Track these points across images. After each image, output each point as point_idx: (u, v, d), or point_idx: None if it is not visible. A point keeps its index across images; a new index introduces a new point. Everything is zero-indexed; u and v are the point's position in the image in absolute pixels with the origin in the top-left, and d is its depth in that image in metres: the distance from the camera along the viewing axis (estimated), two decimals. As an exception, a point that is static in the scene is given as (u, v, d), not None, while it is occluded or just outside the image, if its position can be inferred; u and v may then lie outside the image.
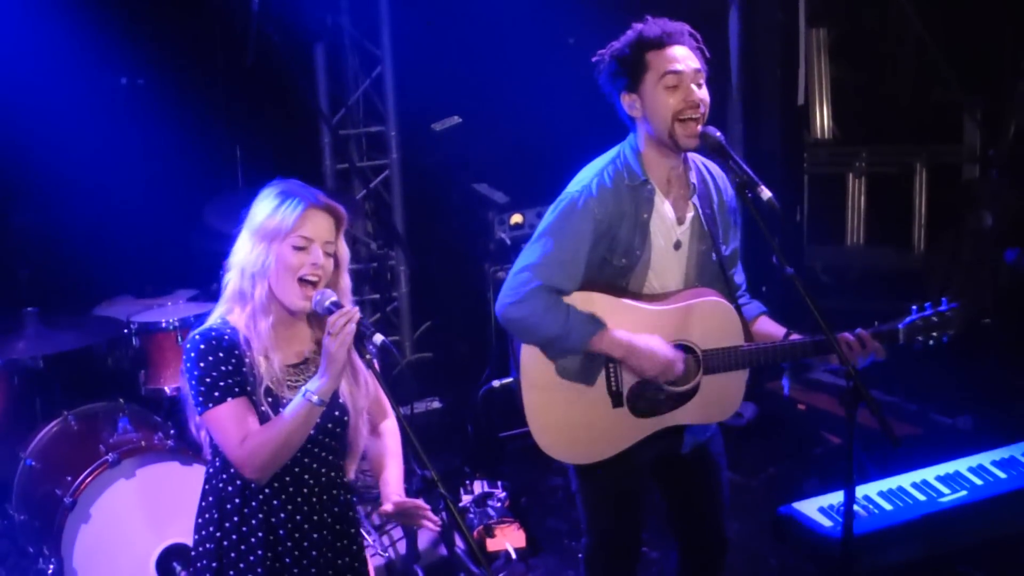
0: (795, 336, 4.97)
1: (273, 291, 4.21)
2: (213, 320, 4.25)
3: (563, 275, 4.93)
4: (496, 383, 7.36)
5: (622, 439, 5.06)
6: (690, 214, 5.01)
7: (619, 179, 4.92)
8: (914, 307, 4.92)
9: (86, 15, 8.22)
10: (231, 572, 4.28)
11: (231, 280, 4.27)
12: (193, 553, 4.40)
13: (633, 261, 4.95)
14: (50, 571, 6.22)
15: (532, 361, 5.04)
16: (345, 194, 9.57)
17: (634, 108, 4.89)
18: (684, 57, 4.82)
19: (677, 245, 5.00)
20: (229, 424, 4.16)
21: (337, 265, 4.31)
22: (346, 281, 4.37)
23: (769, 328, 5.10)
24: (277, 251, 4.17)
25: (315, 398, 4.11)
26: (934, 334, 4.91)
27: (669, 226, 4.98)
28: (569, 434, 5.08)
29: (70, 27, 8.08)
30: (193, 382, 4.17)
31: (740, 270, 5.24)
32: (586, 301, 4.94)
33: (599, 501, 5.25)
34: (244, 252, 4.22)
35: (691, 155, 5.04)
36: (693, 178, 5.01)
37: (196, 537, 4.37)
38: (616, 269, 4.98)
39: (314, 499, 4.37)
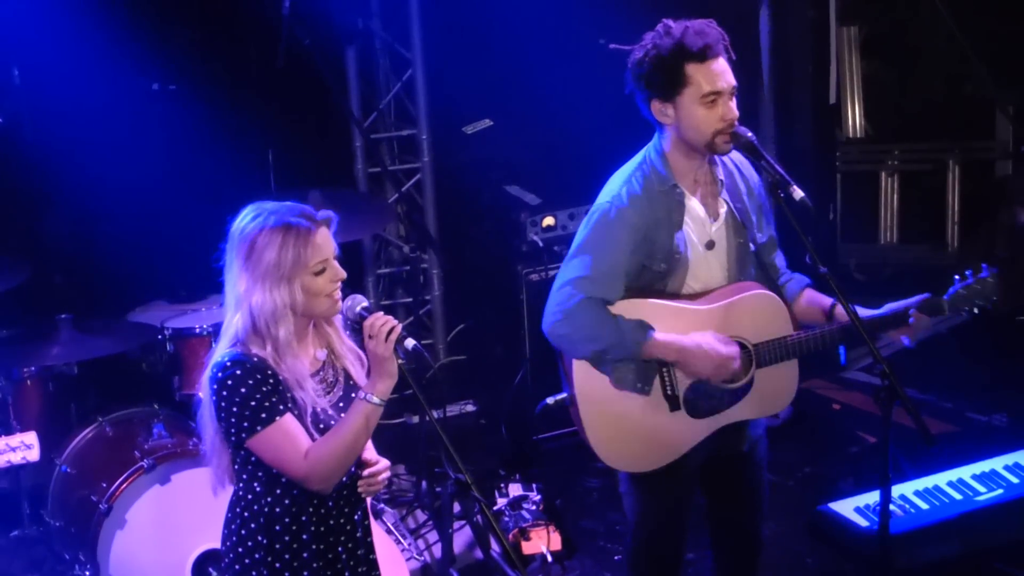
0: (840, 312, 4.89)
1: (304, 315, 4.20)
2: (231, 351, 4.17)
3: (606, 286, 4.90)
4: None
5: (682, 443, 5.03)
6: (723, 210, 4.99)
7: (648, 185, 4.90)
8: (956, 276, 4.96)
9: (117, 21, 8.25)
10: None
11: (237, 321, 4.18)
12: None
13: (673, 265, 4.93)
14: (86, 577, 6.25)
15: (585, 375, 5.01)
16: (377, 197, 9.59)
17: (666, 116, 4.83)
18: (723, 72, 4.76)
19: (710, 245, 4.97)
20: (286, 442, 4.14)
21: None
22: None
23: (815, 300, 5.08)
24: (301, 285, 4.13)
25: (375, 399, 4.14)
26: (978, 301, 4.93)
27: (702, 225, 4.96)
28: (630, 444, 5.05)
29: (101, 34, 8.09)
30: (235, 409, 4.11)
31: (780, 253, 5.21)
32: (632, 308, 4.92)
33: (649, 506, 5.22)
34: (257, 297, 4.12)
35: None
36: (720, 173, 4.98)
37: (238, 567, 4.29)
38: (655, 274, 4.95)
39: (353, 499, 4.40)
